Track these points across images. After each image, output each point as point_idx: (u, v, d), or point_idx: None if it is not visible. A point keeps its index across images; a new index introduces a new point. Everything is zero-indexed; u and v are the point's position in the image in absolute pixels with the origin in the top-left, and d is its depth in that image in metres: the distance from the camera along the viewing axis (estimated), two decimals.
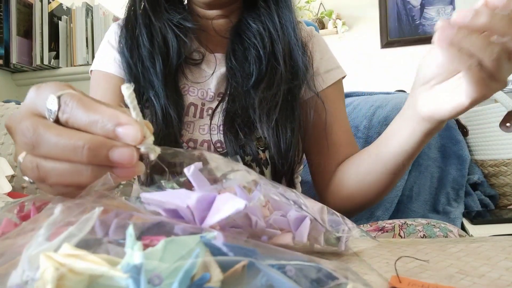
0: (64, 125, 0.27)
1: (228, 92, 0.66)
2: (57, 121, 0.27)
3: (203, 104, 0.68)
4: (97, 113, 0.26)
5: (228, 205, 0.23)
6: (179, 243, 0.17)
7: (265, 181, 0.28)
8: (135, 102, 0.26)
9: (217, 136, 0.65)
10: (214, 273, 0.16)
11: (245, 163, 0.63)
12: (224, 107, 0.65)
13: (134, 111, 0.26)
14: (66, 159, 0.26)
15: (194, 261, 0.16)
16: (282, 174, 0.64)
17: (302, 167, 0.77)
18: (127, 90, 0.26)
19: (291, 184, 0.68)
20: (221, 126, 0.64)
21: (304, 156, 0.74)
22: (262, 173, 0.64)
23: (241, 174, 0.27)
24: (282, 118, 0.63)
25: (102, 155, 0.26)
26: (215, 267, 0.17)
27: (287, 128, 0.63)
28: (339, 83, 0.74)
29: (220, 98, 0.67)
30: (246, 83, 0.65)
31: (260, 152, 0.64)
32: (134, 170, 0.27)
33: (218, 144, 0.65)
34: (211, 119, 0.66)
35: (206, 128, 0.66)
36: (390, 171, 0.58)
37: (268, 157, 0.64)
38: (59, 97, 0.27)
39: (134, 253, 0.16)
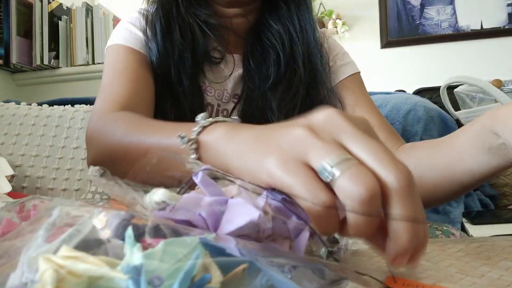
0: None
1: (244, 95, 0.66)
2: None
3: (218, 105, 0.68)
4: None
5: (241, 215, 0.22)
6: (178, 244, 0.17)
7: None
8: None
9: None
10: (214, 274, 0.16)
11: None
12: (239, 109, 0.65)
13: None
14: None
15: (195, 262, 0.16)
16: None
17: None
18: None
19: None
20: None
21: None
22: None
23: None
24: None
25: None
26: (215, 268, 0.17)
27: None
28: (357, 76, 0.73)
29: (236, 100, 0.67)
30: (263, 85, 0.65)
31: None
32: None
33: None
34: None
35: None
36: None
37: None
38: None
39: (134, 254, 0.16)
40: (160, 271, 0.15)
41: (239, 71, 0.68)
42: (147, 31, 0.66)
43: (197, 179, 0.25)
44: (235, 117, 0.35)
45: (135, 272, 0.15)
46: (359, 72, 0.74)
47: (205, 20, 0.65)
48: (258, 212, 0.21)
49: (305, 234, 0.23)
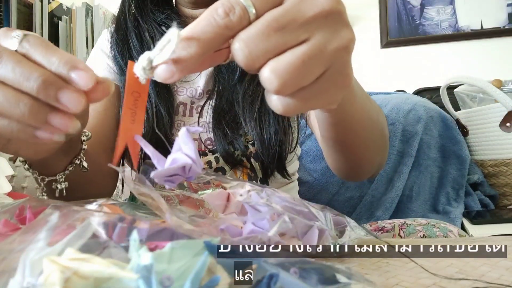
0: None
1: (215, 89, 0.66)
2: None
3: (192, 103, 0.68)
4: (55, 54, 0.27)
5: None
6: (185, 246, 0.17)
7: (271, 191, 0.28)
8: None
9: (207, 134, 0.65)
10: (222, 276, 0.16)
11: (235, 159, 0.63)
12: (212, 104, 0.66)
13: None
14: (16, 86, 0.27)
15: (204, 263, 0.16)
16: (270, 165, 0.63)
17: (295, 158, 0.76)
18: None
19: (284, 176, 0.67)
20: (210, 123, 0.64)
21: (297, 150, 0.74)
22: (252, 166, 0.64)
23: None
24: (265, 108, 0.62)
25: (52, 92, 0.26)
26: (222, 270, 0.17)
27: (270, 118, 0.62)
28: None
29: (208, 95, 0.67)
30: (232, 78, 0.65)
31: (250, 146, 0.64)
32: (69, 123, 0.27)
33: (208, 142, 0.65)
34: (199, 116, 0.66)
35: (196, 126, 0.66)
36: None
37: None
38: (24, 35, 0.28)
39: (142, 254, 0.16)
40: (169, 271, 0.15)
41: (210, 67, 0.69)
42: (110, 51, 0.69)
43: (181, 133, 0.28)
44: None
45: (146, 272, 0.15)
46: None
47: (164, 23, 0.67)
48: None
49: (314, 232, 0.24)
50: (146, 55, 0.26)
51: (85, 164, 0.47)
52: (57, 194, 0.45)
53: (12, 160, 0.44)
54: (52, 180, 0.44)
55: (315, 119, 0.56)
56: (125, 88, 0.28)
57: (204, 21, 0.26)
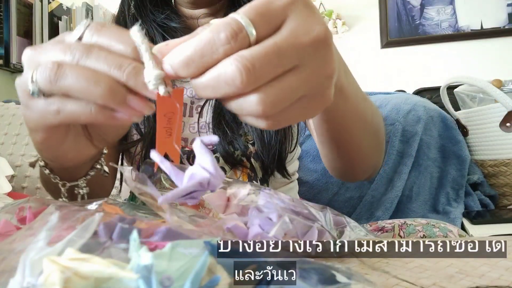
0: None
1: None
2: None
3: (192, 103, 0.68)
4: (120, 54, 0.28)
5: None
6: (185, 246, 0.17)
7: (270, 191, 0.28)
8: (146, 44, 0.27)
9: (207, 134, 0.65)
10: (222, 276, 0.16)
11: (235, 159, 0.63)
12: (212, 104, 0.65)
13: (147, 53, 0.27)
14: (83, 92, 0.27)
15: (204, 263, 0.16)
16: (270, 165, 0.64)
17: (295, 157, 0.76)
18: (139, 33, 0.26)
19: (284, 176, 0.68)
20: (210, 123, 0.64)
21: (297, 150, 0.74)
22: (252, 166, 0.64)
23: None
24: None
25: (120, 98, 0.27)
26: (222, 270, 0.17)
27: None
28: None
29: None
30: None
31: (250, 146, 0.64)
32: (145, 105, 0.28)
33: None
34: (199, 117, 0.66)
35: (196, 126, 0.66)
36: None
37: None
38: (87, 25, 0.29)
39: (142, 254, 0.16)
40: (169, 271, 0.15)
41: None
42: None
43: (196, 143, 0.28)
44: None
45: (146, 272, 0.15)
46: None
47: (164, 23, 0.67)
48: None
49: (314, 232, 0.24)
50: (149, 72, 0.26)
51: (106, 168, 0.46)
52: (79, 199, 0.45)
53: (32, 166, 0.44)
54: (73, 185, 0.44)
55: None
56: (156, 110, 0.28)
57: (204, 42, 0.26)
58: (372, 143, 0.55)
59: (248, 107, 0.26)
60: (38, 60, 0.29)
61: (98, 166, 0.46)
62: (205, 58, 0.25)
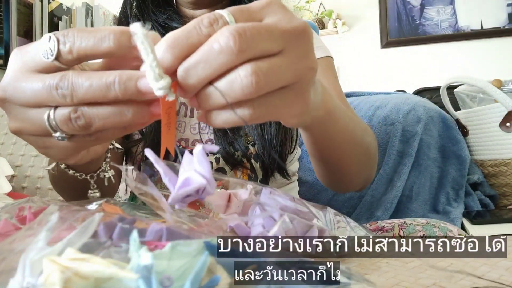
0: (67, 62, 0.28)
1: None
2: (57, 58, 0.28)
3: None
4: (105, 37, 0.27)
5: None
6: (185, 246, 0.17)
7: (271, 190, 0.28)
8: (154, 54, 0.26)
9: (207, 135, 0.65)
10: (222, 276, 0.16)
11: (235, 159, 0.63)
12: None
13: (152, 54, 0.26)
14: (103, 98, 0.27)
15: (204, 263, 0.16)
16: (271, 166, 0.64)
17: (295, 158, 0.76)
18: (142, 30, 0.26)
19: (285, 176, 0.68)
20: None
21: (297, 151, 0.74)
22: (252, 167, 0.64)
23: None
24: None
25: (132, 87, 0.27)
26: (222, 270, 0.17)
27: None
28: (328, 60, 0.72)
29: None
30: None
31: (250, 147, 0.64)
32: (165, 102, 0.27)
33: (209, 143, 0.65)
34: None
35: (197, 127, 0.66)
36: None
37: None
38: (54, 34, 0.28)
39: (143, 254, 0.16)
40: (169, 271, 0.15)
41: None
42: None
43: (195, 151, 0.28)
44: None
45: (146, 272, 0.15)
46: (331, 57, 0.73)
47: (165, 23, 0.67)
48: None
49: (314, 232, 0.24)
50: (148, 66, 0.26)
51: (117, 145, 0.47)
52: (106, 183, 0.46)
53: (54, 171, 0.44)
54: (97, 172, 0.45)
55: None
56: (161, 108, 0.28)
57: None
58: (362, 159, 0.57)
59: (240, 81, 0.26)
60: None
61: (111, 146, 0.47)
62: (191, 40, 0.26)
